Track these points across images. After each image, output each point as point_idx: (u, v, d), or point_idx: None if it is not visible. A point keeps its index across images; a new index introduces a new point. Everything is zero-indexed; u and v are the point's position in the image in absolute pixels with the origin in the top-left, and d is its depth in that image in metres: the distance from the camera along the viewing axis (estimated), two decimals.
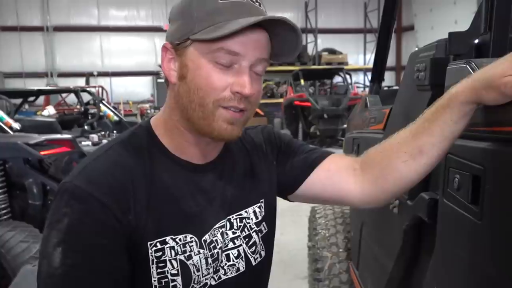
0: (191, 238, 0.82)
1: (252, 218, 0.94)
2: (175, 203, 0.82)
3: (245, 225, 0.93)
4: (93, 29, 14.99)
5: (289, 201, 1.06)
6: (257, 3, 0.79)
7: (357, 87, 11.15)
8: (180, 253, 0.81)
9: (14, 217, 3.23)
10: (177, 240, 0.81)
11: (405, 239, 1.21)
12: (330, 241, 2.39)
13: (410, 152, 0.82)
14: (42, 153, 3.12)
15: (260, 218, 0.96)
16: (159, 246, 0.79)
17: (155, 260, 0.78)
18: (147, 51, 15.26)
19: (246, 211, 0.94)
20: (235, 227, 0.91)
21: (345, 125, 8.73)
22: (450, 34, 0.98)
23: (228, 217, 0.90)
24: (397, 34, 17.14)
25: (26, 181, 3.25)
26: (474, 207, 0.81)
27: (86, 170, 0.77)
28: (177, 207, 0.82)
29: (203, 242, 0.84)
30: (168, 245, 0.80)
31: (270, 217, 0.99)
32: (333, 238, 2.40)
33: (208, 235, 0.85)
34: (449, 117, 0.75)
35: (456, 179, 0.87)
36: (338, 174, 0.96)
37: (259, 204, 0.97)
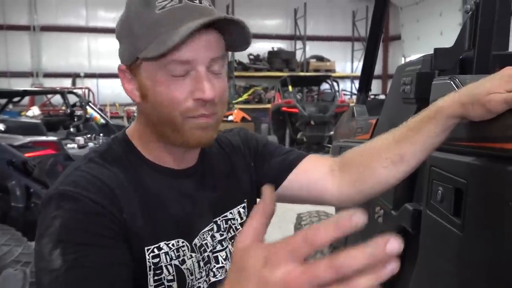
0: (182, 242, 0.83)
1: (237, 219, 0.95)
2: (164, 208, 0.82)
3: (230, 226, 0.94)
4: (81, 30, 14.86)
5: None
6: (196, 1, 0.75)
7: (344, 94, 11.25)
8: (174, 258, 0.81)
9: None
10: (170, 245, 0.81)
11: None
12: (315, 250, 2.41)
13: (392, 159, 0.85)
14: (27, 155, 3.08)
15: (244, 218, 0.97)
16: (156, 252, 0.78)
17: (152, 267, 0.78)
18: None
19: (231, 212, 0.94)
20: (222, 229, 0.92)
21: (331, 132, 8.80)
22: (436, 50, 1.01)
23: (215, 219, 0.91)
24: (384, 43, 17.36)
25: (9, 183, 3.19)
26: (456, 219, 0.83)
27: (70, 178, 0.75)
28: (166, 212, 0.82)
29: (194, 246, 0.85)
30: (163, 251, 0.79)
31: None
32: None
33: (198, 239, 0.86)
34: (433, 128, 0.78)
35: (439, 191, 0.90)
36: (315, 175, 0.97)
37: (243, 205, 0.97)
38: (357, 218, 0.37)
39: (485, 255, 0.75)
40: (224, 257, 0.91)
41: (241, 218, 0.96)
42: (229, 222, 0.93)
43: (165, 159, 0.85)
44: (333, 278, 0.37)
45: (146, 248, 0.77)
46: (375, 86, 15.53)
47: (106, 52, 14.98)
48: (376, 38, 1.95)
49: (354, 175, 0.92)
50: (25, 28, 14.39)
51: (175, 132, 0.78)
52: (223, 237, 0.92)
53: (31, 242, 3.02)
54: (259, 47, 14.88)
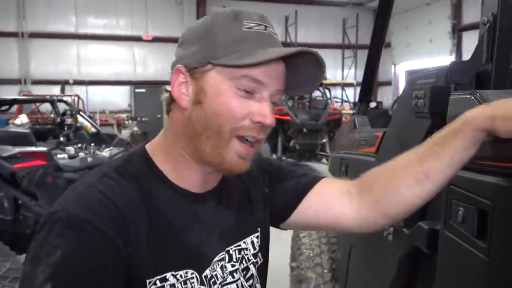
0: (192, 274, 0.77)
1: (250, 249, 0.90)
2: (175, 235, 0.77)
3: (243, 257, 0.88)
4: (71, 37, 14.70)
5: (281, 229, 1.02)
6: (276, 35, 0.79)
7: (336, 102, 11.27)
8: None
9: None
10: (178, 276, 0.75)
11: (400, 268, 1.18)
12: (315, 262, 2.36)
13: (416, 176, 0.79)
14: (15, 166, 3.01)
15: (257, 248, 0.91)
16: (158, 284, 0.72)
17: None
18: (125, 60, 15.05)
19: (244, 242, 0.89)
20: (234, 260, 0.86)
21: (324, 140, 8.80)
22: (452, 63, 0.97)
23: (227, 249, 0.85)
24: None
25: None
26: (480, 242, 0.79)
27: (81, 197, 0.70)
28: (177, 239, 0.77)
29: (204, 278, 0.79)
30: (168, 283, 0.73)
31: (265, 247, 0.95)
32: (318, 258, 2.36)
33: (209, 269, 0.80)
34: (460, 142, 0.73)
35: (460, 212, 0.86)
36: (331, 199, 0.92)
37: (257, 234, 0.92)
38: None
39: None
40: None
41: (254, 249, 0.90)
42: (242, 252, 0.88)
43: (187, 177, 0.80)
44: None
45: (148, 280, 0.72)
46: None
47: (96, 59, 14.86)
48: (378, 47, 1.92)
49: (375, 196, 0.86)
50: (13, 34, 14.19)
51: (215, 149, 0.75)
52: (234, 268, 0.86)
53: (19, 256, 2.93)
54: None
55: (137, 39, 14.88)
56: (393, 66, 15.98)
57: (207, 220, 0.82)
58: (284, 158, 9.33)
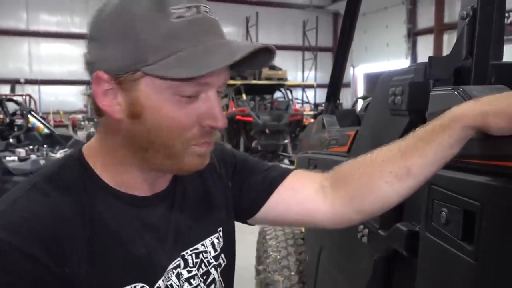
0: (142, 287, 0.68)
1: (210, 251, 0.81)
2: (121, 247, 0.67)
3: (202, 261, 0.79)
4: (21, 34, 14.05)
5: (249, 225, 0.94)
6: (212, 15, 0.65)
7: (297, 103, 11.38)
8: None
9: None
10: None
11: (376, 271, 1.14)
12: (282, 264, 2.31)
13: (396, 172, 0.74)
14: None
15: (218, 250, 0.83)
16: None
17: None
18: (80, 59, 14.41)
19: (202, 244, 0.80)
20: (190, 265, 0.77)
21: (286, 141, 8.83)
22: (431, 58, 0.94)
23: (182, 254, 0.76)
24: (333, 52, 17.83)
25: None
26: (466, 245, 0.75)
27: (3, 217, 0.60)
28: (123, 252, 0.67)
29: None
30: None
31: (229, 247, 0.86)
32: (285, 260, 2.32)
33: (162, 280, 0.71)
34: (446, 139, 0.69)
35: (444, 213, 0.82)
36: (303, 193, 0.86)
37: (217, 234, 0.83)
38: None
39: (504, 285, 0.68)
40: None
41: (215, 251, 0.82)
42: (200, 255, 0.79)
43: (132, 184, 0.71)
44: None
45: None
46: (325, 95, 15.86)
47: (49, 57, 14.29)
48: (345, 47, 1.90)
49: (351, 191, 0.81)
50: None
51: (170, 159, 0.67)
52: (191, 274, 0.77)
53: None
54: None
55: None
56: (352, 68, 16.35)
57: (157, 225, 0.73)
58: None
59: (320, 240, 1.73)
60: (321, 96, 15.20)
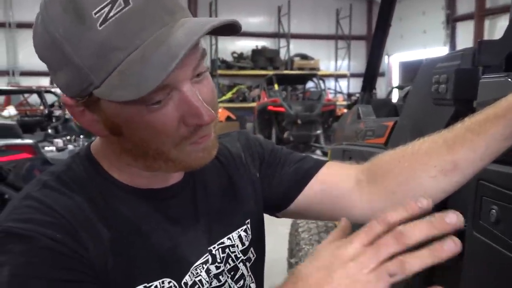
0: (169, 283, 0.65)
1: (237, 245, 0.76)
2: (144, 241, 0.64)
3: (229, 256, 0.75)
4: None
5: (278, 217, 0.90)
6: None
7: (330, 93, 11.20)
8: None
9: None
10: None
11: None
12: None
13: (442, 167, 0.69)
14: (1, 159, 2.91)
15: (247, 243, 0.78)
16: None
17: None
18: None
19: (229, 238, 0.76)
20: (218, 261, 0.73)
21: (318, 131, 8.71)
22: (481, 42, 0.87)
23: (209, 248, 0.72)
24: (367, 41, 17.41)
25: None
26: None
27: (16, 212, 0.58)
28: (147, 245, 0.64)
29: (183, 285, 0.67)
30: None
31: (258, 240, 0.82)
32: None
33: (189, 275, 0.68)
34: (501, 130, 0.63)
35: (494, 211, 0.76)
36: (337, 187, 0.80)
37: (244, 227, 0.79)
38: (453, 219, 0.42)
39: None
40: None
41: (243, 244, 0.77)
42: (226, 250, 0.75)
43: (143, 181, 0.67)
44: (397, 249, 0.42)
45: None
46: (358, 85, 15.56)
47: None
48: (383, 34, 1.81)
49: (390, 186, 0.75)
50: (0, 25, 13.92)
51: (171, 162, 0.62)
52: (219, 270, 0.73)
53: None
54: (243, 45, 14.73)
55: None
56: (386, 57, 15.93)
57: (179, 217, 0.69)
58: None
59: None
60: (354, 85, 14.89)
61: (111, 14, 0.52)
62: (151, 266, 0.64)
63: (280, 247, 2.76)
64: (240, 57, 14.52)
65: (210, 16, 14.65)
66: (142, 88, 0.51)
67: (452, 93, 0.91)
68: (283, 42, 15.90)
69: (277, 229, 2.82)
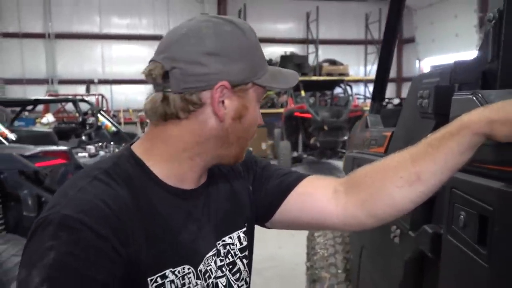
0: (188, 269, 0.79)
1: (236, 244, 0.90)
2: (171, 233, 0.78)
3: (228, 252, 0.89)
4: (95, 37, 15.02)
5: (267, 228, 1.01)
6: None
7: (358, 98, 11.13)
8: (179, 286, 0.76)
9: (8, 230, 3.18)
10: (176, 272, 0.76)
11: (407, 272, 1.16)
12: (329, 262, 2.34)
13: (407, 178, 0.77)
14: (38, 164, 3.08)
15: (245, 243, 0.92)
16: (159, 281, 0.74)
17: None
18: (148, 59, 15.03)
19: (230, 237, 0.90)
20: (221, 255, 0.87)
21: (345, 137, 8.68)
22: (456, 62, 0.94)
23: (216, 243, 0.87)
24: (398, 46, 17.17)
25: (21, 193, 3.20)
26: (481, 248, 0.76)
27: (73, 200, 0.69)
28: (173, 237, 0.78)
29: (199, 272, 0.81)
30: (168, 279, 0.75)
31: (251, 244, 0.96)
32: (332, 258, 2.34)
33: (203, 264, 0.82)
34: (456, 146, 0.71)
35: (462, 216, 0.83)
36: (315, 196, 0.91)
37: (243, 229, 0.93)
38: None
39: None
40: (224, 284, 0.86)
41: (241, 244, 0.91)
42: (227, 247, 0.89)
43: (185, 178, 0.82)
44: None
45: (149, 278, 0.73)
46: (390, 90, 15.36)
47: (120, 58, 15.13)
48: (391, 44, 1.88)
49: (363, 195, 0.84)
50: (40, 35, 14.60)
51: (242, 150, 0.85)
52: (222, 263, 0.87)
53: None
54: (272, 52, 14.84)
55: (160, 38, 14.91)
56: (417, 61, 15.66)
57: (198, 217, 0.84)
58: (305, 155, 9.27)
59: (361, 239, 1.75)
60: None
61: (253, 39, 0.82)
62: (175, 255, 0.77)
63: (301, 252, 2.83)
64: (269, 63, 14.55)
65: None
66: (289, 84, 0.86)
67: (432, 107, 0.98)
68: (311, 48, 15.92)
69: (299, 234, 2.89)
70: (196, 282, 0.79)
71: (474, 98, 0.80)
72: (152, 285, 0.72)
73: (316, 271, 2.35)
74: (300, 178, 0.94)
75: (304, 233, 2.94)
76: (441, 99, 0.96)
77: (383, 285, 1.40)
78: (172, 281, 0.75)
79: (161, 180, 0.80)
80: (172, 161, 0.80)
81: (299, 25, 16.34)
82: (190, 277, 0.78)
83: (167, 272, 0.75)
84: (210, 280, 0.83)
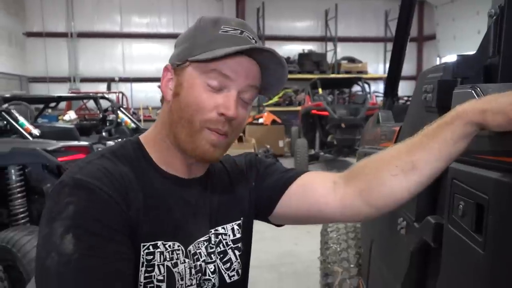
0: (178, 246, 0.85)
1: (229, 235, 0.96)
2: (166, 210, 0.85)
3: (220, 241, 0.94)
4: (116, 36, 15.29)
5: (273, 224, 1.06)
6: (253, 40, 0.85)
7: (376, 96, 11.03)
8: (168, 259, 0.82)
9: (32, 221, 3.30)
10: (166, 246, 0.83)
11: (412, 262, 1.18)
12: (341, 256, 2.37)
13: (402, 167, 0.80)
14: (60, 159, 3.19)
15: (238, 236, 0.98)
16: (151, 249, 0.80)
17: (145, 263, 0.79)
18: (167, 57, 15.09)
19: (223, 227, 0.95)
20: (212, 242, 0.93)
21: None
22: (458, 56, 0.96)
23: (210, 231, 0.93)
24: (419, 43, 16.94)
25: (44, 186, 3.31)
26: (477, 236, 0.79)
27: (84, 169, 0.78)
28: (168, 214, 0.85)
29: (188, 252, 0.86)
30: (158, 250, 0.81)
31: (247, 237, 1.01)
32: (344, 253, 2.37)
33: (192, 246, 0.88)
34: (450, 135, 0.73)
35: (461, 205, 0.85)
36: (312, 188, 0.95)
37: (238, 222, 0.98)
38: None
39: (507, 276, 0.71)
40: (212, 270, 0.92)
41: (234, 235, 0.97)
42: (219, 236, 0.94)
43: (174, 166, 0.89)
44: None
45: (142, 244, 0.79)
46: (410, 88, 15.17)
47: (140, 57, 15.36)
48: (402, 41, 1.89)
49: (360, 185, 0.88)
50: (63, 35, 14.94)
51: (188, 137, 0.83)
52: (212, 250, 0.92)
53: None
54: (289, 50, 14.86)
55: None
56: (438, 59, 15.42)
57: (192, 203, 0.90)
58: (322, 153, 9.25)
59: (371, 233, 1.77)
60: (404, 88, 14.55)
61: (230, 32, 0.83)
62: (168, 230, 0.84)
63: (318, 249, 2.87)
64: (286, 61, 14.53)
65: (258, 22, 14.86)
66: (218, 53, 0.79)
67: (435, 101, 1.01)
68: (330, 45, 15.84)
69: (316, 232, 2.92)
70: (184, 260, 0.85)
71: (472, 91, 0.83)
72: (144, 251, 0.79)
73: (328, 265, 2.38)
74: (299, 173, 1.00)
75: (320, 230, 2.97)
76: (444, 93, 0.98)
77: (390, 276, 1.43)
78: (161, 253, 0.81)
79: (157, 165, 0.88)
80: (157, 144, 0.88)
81: (317, 22, 16.28)
82: (179, 254, 0.84)
83: (159, 243, 0.81)
84: (198, 263, 0.88)
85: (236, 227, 0.97)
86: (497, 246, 0.73)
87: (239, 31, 0.84)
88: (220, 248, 0.94)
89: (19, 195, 3.20)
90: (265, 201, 1.01)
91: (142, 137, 0.91)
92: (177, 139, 0.85)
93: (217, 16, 0.88)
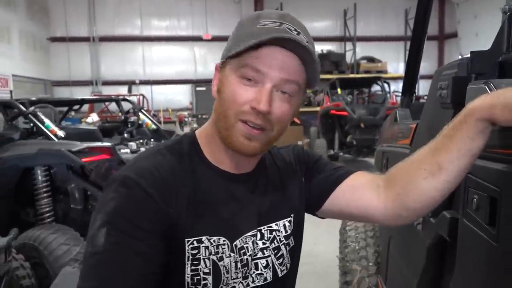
0: (223, 241, 0.88)
1: (281, 231, 0.98)
2: (211, 206, 0.88)
3: (275, 237, 0.97)
4: (136, 39, 15.52)
5: (318, 217, 1.09)
6: (295, 32, 0.82)
7: (396, 96, 10.91)
8: (213, 253, 0.86)
9: (57, 220, 3.40)
10: (211, 241, 0.86)
11: (429, 257, 1.19)
12: (360, 254, 2.37)
13: (430, 169, 0.82)
14: (84, 159, 3.26)
15: (289, 232, 1.00)
16: (195, 244, 0.84)
17: (190, 257, 0.84)
18: (187, 60, 15.63)
19: (276, 224, 0.98)
20: (265, 238, 0.95)
21: None
22: (472, 53, 0.98)
23: (259, 228, 0.95)
24: (440, 41, 16.67)
25: (69, 186, 3.40)
26: (491, 228, 0.80)
27: (135, 165, 0.85)
28: (213, 210, 0.88)
29: (234, 246, 0.89)
30: (203, 245, 0.85)
31: (298, 232, 1.03)
32: (363, 251, 2.37)
33: (239, 241, 0.90)
34: (465, 133, 0.75)
35: (475, 199, 0.87)
36: (361, 190, 0.98)
37: (289, 219, 1.00)
38: None
39: None
40: (264, 265, 0.95)
41: (286, 231, 0.99)
42: (273, 232, 0.97)
43: (223, 161, 0.92)
44: None
45: (186, 239, 0.84)
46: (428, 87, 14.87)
47: (160, 60, 15.55)
48: (420, 39, 1.89)
49: (397, 189, 0.91)
50: (85, 39, 15.25)
51: (225, 130, 0.86)
52: (265, 246, 0.95)
53: None
54: None
55: (198, 39, 15.37)
56: (460, 57, 15.12)
57: (241, 198, 0.93)
58: (341, 153, 9.21)
59: (389, 230, 1.78)
60: (425, 87, 14.32)
61: (268, 25, 0.82)
62: (213, 225, 0.88)
63: (338, 249, 2.87)
64: None
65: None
66: (240, 48, 0.80)
67: (450, 97, 1.02)
68: (349, 45, 15.73)
69: (336, 231, 2.93)
70: (230, 254, 0.88)
71: (486, 87, 0.84)
72: (188, 245, 0.84)
73: (347, 264, 2.39)
74: (349, 172, 1.02)
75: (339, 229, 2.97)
76: (458, 89, 0.99)
77: (408, 272, 1.44)
78: (206, 247, 0.85)
79: (209, 160, 0.92)
80: (208, 139, 0.93)
81: (336, 22, 16.19)
82: (224, 248, 0.87)
83: (204, 238, 0.85)
84: (245, 257, 0.91)
85: (287, 223, 1.00)
86: (509, 237, 0.75)
87: (278, 23, 0.83)
88: (275, 244, 0.97)
89: (45, 195, 3.30)
90: (314, 197, 1.03)
91: (197, 132, 0.96)
92: (219, 132, 0.88)
93: (260, 11, 0.88)
